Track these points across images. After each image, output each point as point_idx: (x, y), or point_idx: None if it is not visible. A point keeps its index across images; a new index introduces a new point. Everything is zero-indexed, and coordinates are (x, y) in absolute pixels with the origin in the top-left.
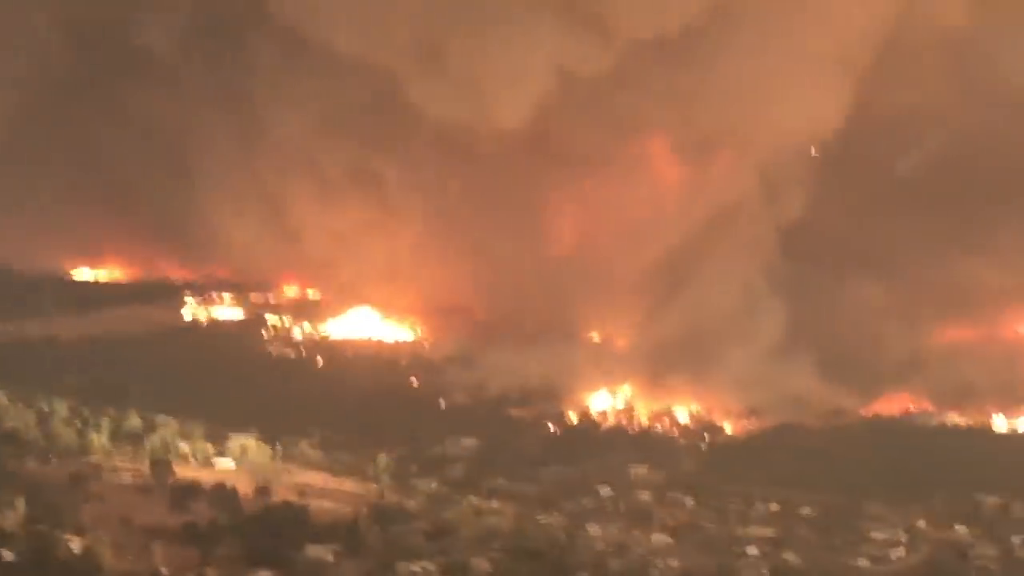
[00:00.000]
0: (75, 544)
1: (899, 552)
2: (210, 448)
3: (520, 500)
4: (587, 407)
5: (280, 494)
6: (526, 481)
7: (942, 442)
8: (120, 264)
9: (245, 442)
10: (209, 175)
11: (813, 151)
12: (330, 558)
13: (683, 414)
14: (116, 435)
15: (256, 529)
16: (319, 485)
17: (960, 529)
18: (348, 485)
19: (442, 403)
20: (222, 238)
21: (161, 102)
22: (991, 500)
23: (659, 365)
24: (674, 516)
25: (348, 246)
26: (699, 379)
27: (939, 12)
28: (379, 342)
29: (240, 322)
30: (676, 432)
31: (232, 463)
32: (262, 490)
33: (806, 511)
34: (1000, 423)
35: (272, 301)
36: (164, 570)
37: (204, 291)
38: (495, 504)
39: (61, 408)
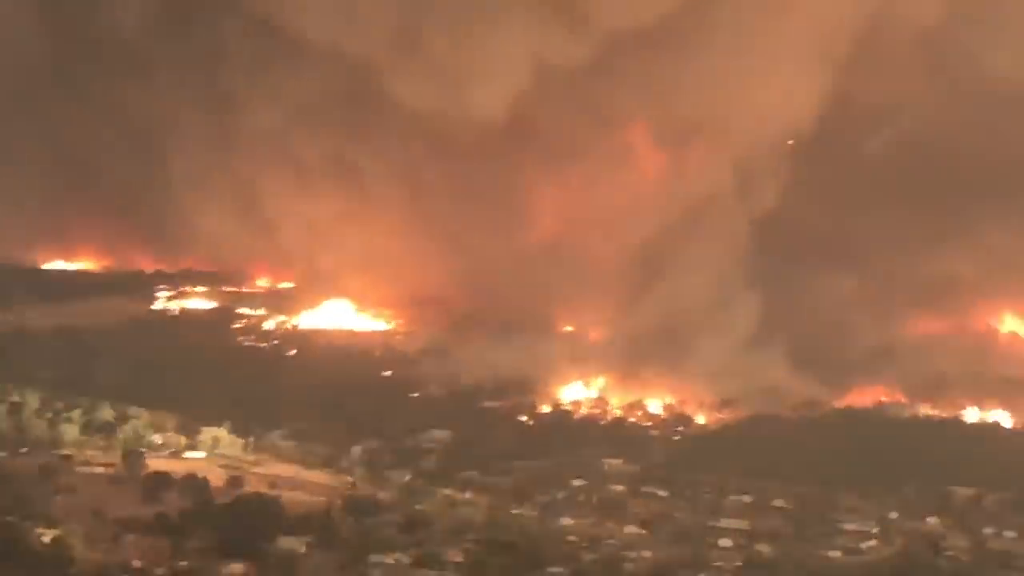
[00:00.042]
0: (46, 536)
1: (872, 544)
2: (182, 440)
3: (493, 492)
4: (560, 399)
5: (252, 486)
6: (499, 473)
7: (915, 434)
8: (92, 255)
9: (217, 433)
10: (182, 165)
11: (790, 143)
12: (302, 550)
13: (656, 406)
14: (88, 427)
15: (228, 521)
16: (291, 477)
17: (932, 521)
18: (320, 477)
19: (415, 395)
20: (195, 229)
21: (134, 91)
22: (963, 492)
23: (633, 357)
24: (647, 508)
25: (323, 237)
26: (672, 371)
27: (916, 5)
28: (352, 333)
29: (212, 313)
30: (649, 424)
31: (204, 455)
32: (234, 481)
33: (779, 503)
34: (972, 415)
35: (245, 292)
36: (136, 562)
37: (176, 282)
38: (468, 496)
39: (32, 400)
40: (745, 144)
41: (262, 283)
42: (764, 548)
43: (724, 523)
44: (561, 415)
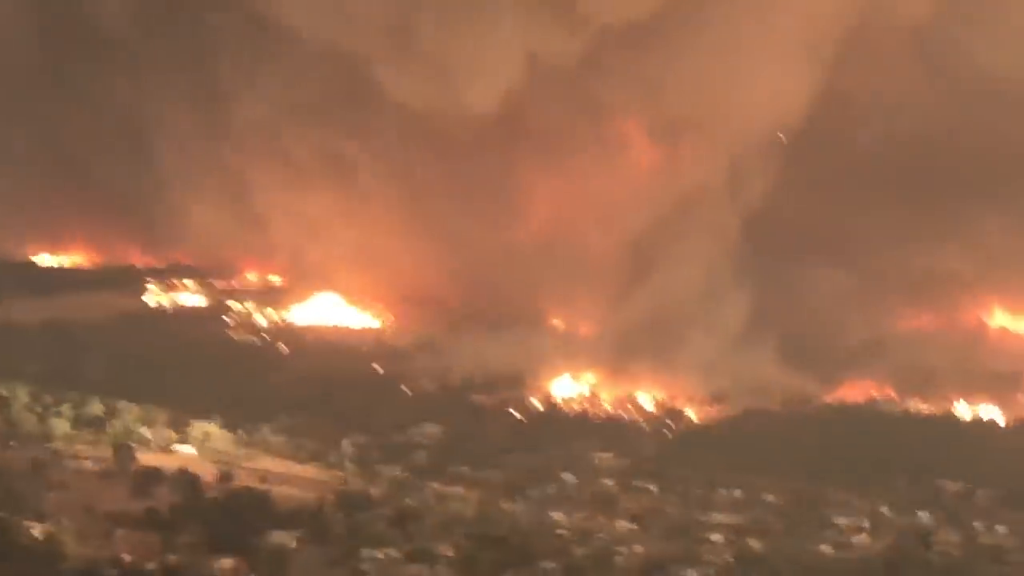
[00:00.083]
0: (36, 531)
1: (862, 538)
2: (172, 434)
3: (484, 487)
4: (551, 394)
5: (243, 480)
6: (490, 468)
7: (905, 428)
8: (81, 249)
9: (208, 428)
10: (173, 159)
11: (782, 137)
12: (293, 544)
13: (647, 401)
14: (78, 421)
15: (219, 515)
16: (282, 471)
17: (923, 515)
18: (311, 471)
19: (406, 389)
20: (185, 223)
21: (124, 85)
22: (954, 486)
23: (624, 352)
24: (638, 503)
25: (314, 231)
26: (663, 365)
27: (907, 1)
28: (343, 328)
29: (203, 308)
30: (640, 419)
31: (194, 449)
32: (224, 476)
33: (770, 497)
34: (963, 410)
35: (236, 287)
36: (126, 556)
37: (166, 277)
38: (459, 491)
39: (22, 394)
40: (736, 139)
41: (252, 277)
42: (755, 543)
43: (715, 518)
44: (552, 410)
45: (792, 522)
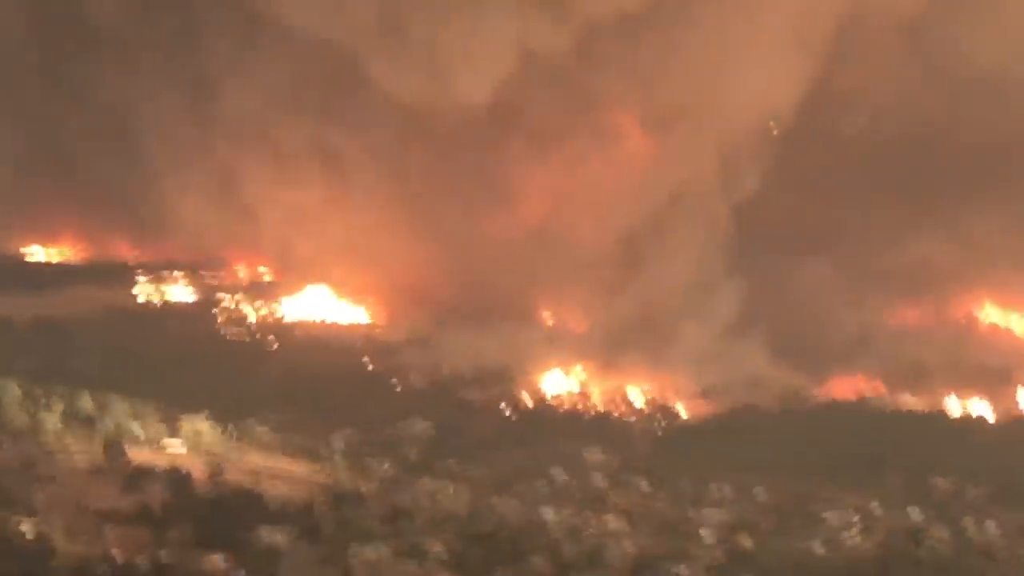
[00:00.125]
0: (27, 527)
1: (853, 535)
2: (163, 430)
3: (474, 483)
4: (541, 389)
5: (233, 476)
6: (480, 464)
7: (896, 425)
8: (71, 244)
9: (198, 424)
10: (163, 152)
11: (773, 129)
12: (284, 541)
13: (638, 396)
14: (68, 417)
15: (209, 512)
16: (272, 467)
17: (913, 512)
18: (301, 467)
19: (396, 385)
20: (175, 217)
21: (113, 78)
22: (944, 483)
23: (614, 346)
24: (628, 499)
25: (304, 225)
26: (654, 361)
27: None
28: (333, 323)
29: (192, 303)
30: (631, 415)
31: (184, 445)
32: (215, 472)
33: (760, 494)
34: (953, 406)
35: (225, 281)
36: (116, 553)
37: (156, 271)
38: (449, 487)
39: (12, 390)
40: (727, 132)
41: (241, 272)
42: (745, 540)
43: (705, 514)
44: (542, 406)
45: (782, 519)
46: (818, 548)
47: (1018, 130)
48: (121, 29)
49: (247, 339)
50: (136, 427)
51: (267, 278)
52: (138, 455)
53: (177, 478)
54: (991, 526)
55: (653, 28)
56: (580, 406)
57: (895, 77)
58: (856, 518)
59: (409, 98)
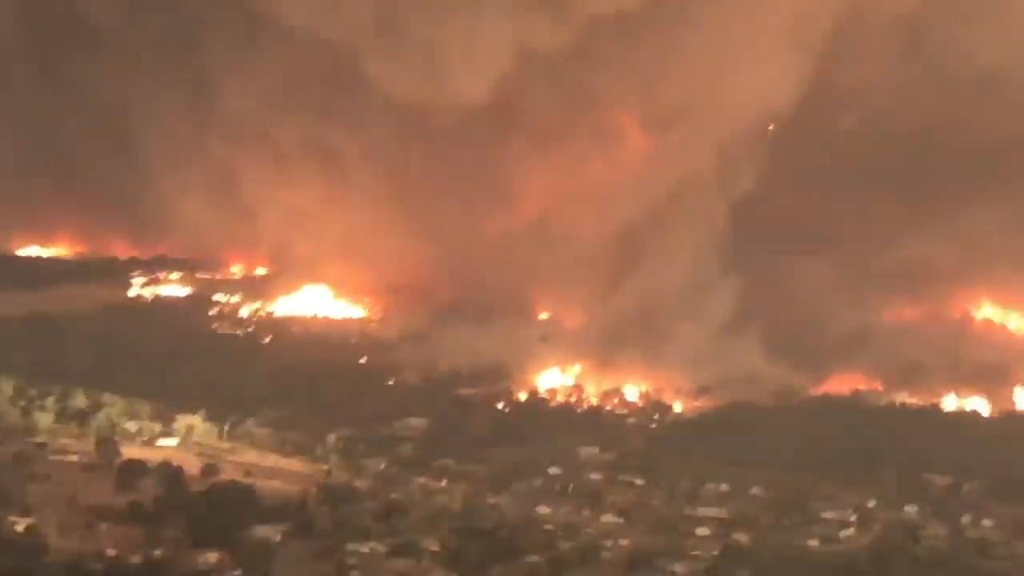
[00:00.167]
0: (20, 524)
1: (849, 532)
2: (156, 427)
3: (470, 480)
4: (537, 387)
5: (227, 473)
6: (476, 461)
7: (892, 422)
8: (67, 241)
9: (192, 421)
10: (161, 152)
11: (771, 127)
12: (278, 538)
13: (633, 393)
14: (62, 414)
15: (203, 509)
16: (267, 464)
17: (910, 509)
18: (296, 464)
19: (392, 382)
20: (171, 215)
21: (112, 77)
22: (941, 480)
23: (610, 344)
24: (624, 496)
25: (301, 223)
26: (649, 358)
27: None
28: (329, 320)
29: (187, 300)
30: (626, 412)
31: (178, 442)
32: (209, 469)
33: (756, 491)
34: (950, 403)
35: (220, 279)
36: (109, 550)
37: (151, 269)
38: (444, 484)
39: (6, 387)
40: (725, 129)
41: (237, 269)
42: (741, 536)
43: (701, 511)
44: (538, 402)
45: (779, 515)
46: (815, 545)
47: (1016, 129)
48: (119, 29)
49: (242, 336)
50: (130, 424)
51: (263, 276)
52: (132, 452)
53: (171, 475)
54: (987, 523)
55: (652, 27)
56: (576, 403)
57: (893, 76)
58: (853, 515)
59: (407, 97)
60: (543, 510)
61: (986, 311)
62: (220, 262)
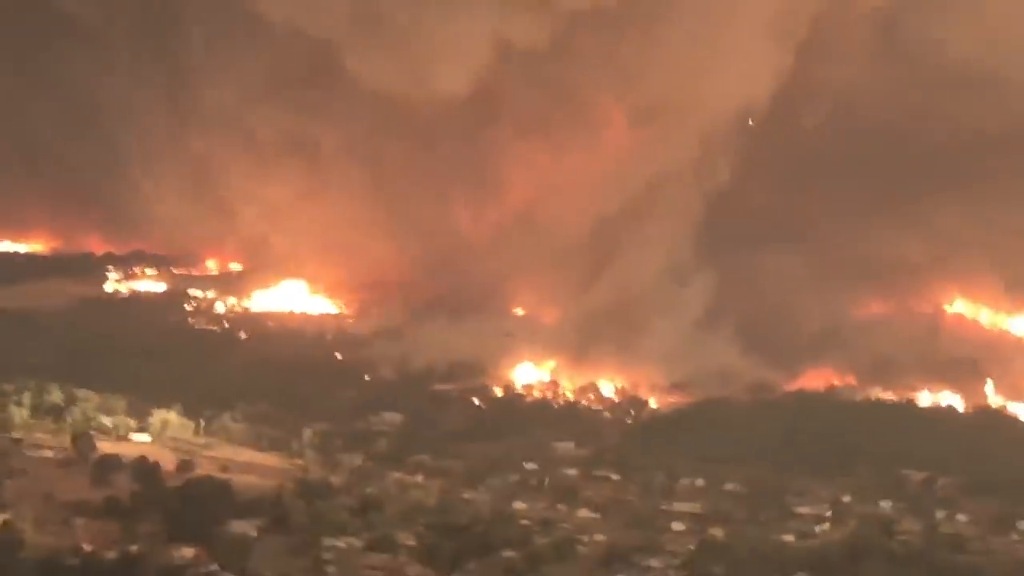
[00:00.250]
0: None
1: (824, 527)
2: (132, 422)
3: (445, 475)
4: (513, 382)
5: (203, 469)
6: (451, 456)
7: (867, 417)
8: (41, 236)
9: (167, 416)
10: (136, 145)
11: (750, 121)
12: (254, 533)
13: (608, 389)
14: (37, 409)
15: (179, 504)
16: (243, 460)
17: (885, 504)
18: (272, 460)
19: (367, 377)
20: (146, 210)
21: (86, 69)
22: (916, 475)
23: (585, 339)
24: (600, 491)
25: (278, 218)
26: (624, 353)
27: None
28: (305, 316)
29: (163, 295)
30: (602, 407)
31: (154, 438)
32: (185, 465)
33: (732, 486)
34: (924, 398)
35: (196, 274)
36: (86, 545)
37: (127, 264)
38: (420, 479)
39: None
40: (704, 122)
41: (213, 265)
42: (717, 531)
43: (677, 507)
44: (513, 398)
45: (754, 511)
46: (790, 540)
47: (989, 125)
48: (94, 20)
49: (217, 331)
50: (106, 419)
51: (239, 272)
52: (107, 447)
53: (146, 470)
54: (962, 518)
55: (632, 22)
56: (552, 399)
57: (867, 72)
58: (828, 510)
59: (386, 90)
60: (519, 505)
61: (958, 306)
62: (196, 257)
